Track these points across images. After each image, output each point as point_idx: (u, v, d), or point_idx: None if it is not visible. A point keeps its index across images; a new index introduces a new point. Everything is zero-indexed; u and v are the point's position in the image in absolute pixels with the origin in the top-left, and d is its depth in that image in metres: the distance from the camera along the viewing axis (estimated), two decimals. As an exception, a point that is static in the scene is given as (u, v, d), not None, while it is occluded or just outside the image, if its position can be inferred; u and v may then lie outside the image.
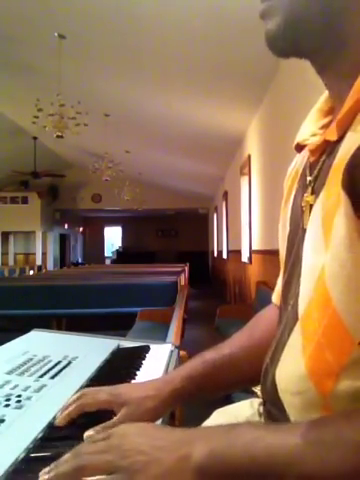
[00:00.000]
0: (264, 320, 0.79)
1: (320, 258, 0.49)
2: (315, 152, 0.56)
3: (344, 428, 0.43)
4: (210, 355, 0.74)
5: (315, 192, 0.54)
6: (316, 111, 0.62)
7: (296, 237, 0.59)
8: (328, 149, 0.53)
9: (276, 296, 0.78)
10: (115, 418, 0.62)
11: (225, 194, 8.58)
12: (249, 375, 0.73)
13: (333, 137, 0.51)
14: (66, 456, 0.48)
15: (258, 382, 0.65)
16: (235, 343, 0.77)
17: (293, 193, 0.65)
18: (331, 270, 0.47)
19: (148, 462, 0.45)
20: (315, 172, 0.56)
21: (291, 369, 0.53)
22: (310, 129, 0.60)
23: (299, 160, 0.67)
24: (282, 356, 0.56)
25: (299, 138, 0.62)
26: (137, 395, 0.65)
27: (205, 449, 0.45)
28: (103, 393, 0.66)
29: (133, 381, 0.85)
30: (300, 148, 0.63)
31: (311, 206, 0.54)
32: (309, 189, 0.56)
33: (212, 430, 0.50)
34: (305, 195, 0.57)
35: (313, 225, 0.52)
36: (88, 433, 0.58)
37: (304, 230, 0.55)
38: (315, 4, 0.50)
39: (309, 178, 0.57)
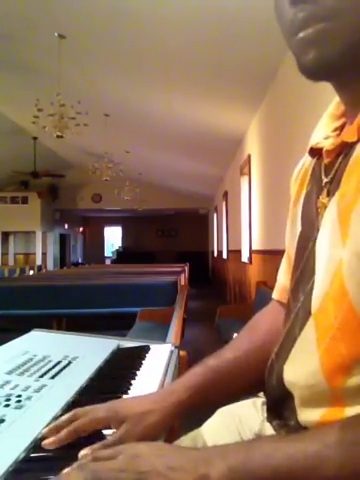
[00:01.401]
0: (264, 321, 0.79)
1: (337, 253, 0.49)
2: (331, 153, 0.56)
3: None
4: (213, 362, 0.71)
5: (331, 193, 0.54)
6: (328, 116, 0.62)
7: (310, 237, 0.59)
8: (345, 151, 0.53)
9: (278, 292, 0.78)
10: (115, 435, 0.59)
11: (225, 194, 8.58)
12: (254, 379, 0.71)
13: (352, 138, 0.51)
14: (73, 472, 0.46)
15: (264, 386, 0.65)
16: (237, 347, 0.75)
17: (303, 193, 0.65)
18: (349, 264, 0.47)
19: None
20: (331, 174, 0.56)
21: (303, 363, 0.53)
22: (323, 132, 0.60)
23: (307, 161, 0.67)
24: (293, 351, 0.56)
25: (312, 142, 0.62)
26: (137, 410, 0.61)
27: (223, 467, 0.44)
28: (99, 411, 0.61)
29: (133, 381, 0.85)
30: (314, 152, 0.63)
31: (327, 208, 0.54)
32: (325, 191, 0.56)
33: (228, 447, 0.50)
34: (321, 197, 0.57)
35: (328, 223, 0.52)
36: (84, 452, 0.54)
37: (319, 230, 0.55)
38: None
39: (325, 180, 0.57)
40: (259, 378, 0.67)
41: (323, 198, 0.56)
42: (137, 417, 0.60)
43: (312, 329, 0.53)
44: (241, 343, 0.76)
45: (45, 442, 0.58)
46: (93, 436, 0.59)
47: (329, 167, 0.57)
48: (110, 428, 0.61)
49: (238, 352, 0.73)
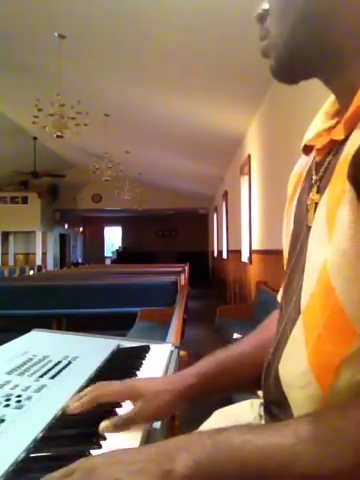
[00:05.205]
0: (272, 323, 0.80)
1: (323, 251, 0.49)
2: (321, 151, 0.57)
3: (339, 422, 0.42)
4: (222, 354, 0.75)
5: (320, 190, 0.55)
6: (323, 114, 0.63)
7: (300, 235, 0.59)
8: (334, 148, 0.54)
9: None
10: (131, 410, 0.63)
11: (225, 194, 8.58)
12: (258, 374, 0.72)
13: (340, 136, 0.51)
14: None
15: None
16: (246, 342, 0.78)
17: (298, 192, 0.66)
18: (334, 261, 0.47)
19: None
20: (321, 171, 0.56)
21: (294, 363, 0.53)
22: (317, 130, 0.61)
23: (304, 161, 0.68)
24: (285, 350, 0.56)
25: (306, 140, 0.63)
26: (153, 389, 0.65)
27: (188, 460, 0.42)
28: (117, 385, 0.67)
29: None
30: (308, 150, 0.63)
31: (316, 204, 0.55)
32: (315, 188, 0.57)
33: (193, 438, 0.47)
34: (310, 194, 0.57)
35: (318, 222, 0.52)
36: (104, 424, 0.59)
37: (309, 228, 0.55)
38: (301, 34, 0.53)
39: (315, 177, 0.58)
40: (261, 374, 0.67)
41: (313, 195, 0.56)
42: (152, 395, 0.64)
43: (301, 328, 0.52)
44: (250, 340, 0.79)
45: (70, 408, 0.64)
46: (109, 411, 0.65)
47: (320, 164, 0.57)
48: (123, 401, 0.67)
49: (246, 348, 0.76)
